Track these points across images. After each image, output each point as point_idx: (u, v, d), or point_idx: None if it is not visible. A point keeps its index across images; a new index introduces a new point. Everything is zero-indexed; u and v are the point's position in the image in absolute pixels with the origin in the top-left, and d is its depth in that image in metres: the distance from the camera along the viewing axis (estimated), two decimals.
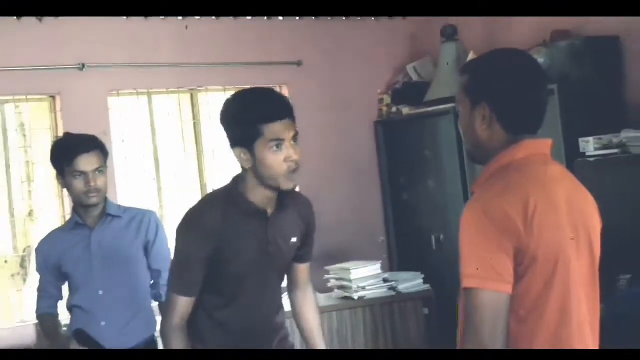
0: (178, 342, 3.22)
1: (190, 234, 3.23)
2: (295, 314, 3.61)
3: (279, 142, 3.10)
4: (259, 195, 3.20)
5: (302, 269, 3.57)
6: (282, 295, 3.49)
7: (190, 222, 3.25)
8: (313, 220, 3.49)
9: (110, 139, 6.11)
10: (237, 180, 3.27)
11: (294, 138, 3.16)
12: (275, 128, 3.10)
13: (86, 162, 4.03)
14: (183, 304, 3.23)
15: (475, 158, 2.59)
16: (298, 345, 3.74)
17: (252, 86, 3.33)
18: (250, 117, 3.11)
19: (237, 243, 3.20)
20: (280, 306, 3.45)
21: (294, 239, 3.34)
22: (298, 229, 3.37)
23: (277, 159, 3.11)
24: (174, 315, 3.23)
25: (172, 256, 4.13)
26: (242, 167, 3.20)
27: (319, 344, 3.55)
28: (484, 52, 2.66)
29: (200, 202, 3.41)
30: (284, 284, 3.54)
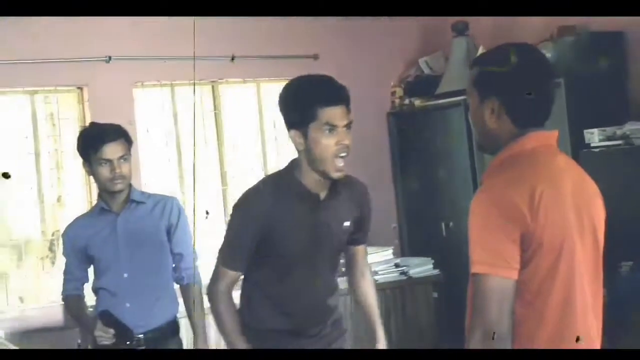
0: (225, 304, 3.27)
1: (241, 214, 3.27)
2: (355, 294, 3.59)
3: (332, 127, 3.11)
4: (311, 180, 3.21)
5: (360, 251, 3.55)
6: (337, 279, 3.48)
7: (243, 202, 3.29)
8: (368, 205, 3.45)
9: (135, 129, 6.12)
10: (293, 164, 3.28)
11: (348, 126, 3.17)
12: (330, 113, 3.12)
13: (112, 150, 4.02)
14: (229, 276, 3.28)
15: (485, 148, 2.59)
16: (350, 328, 3.70)
17: (310, 74, 3.31)
18: (306, 101, 3.12)
19: (287, 224, 3.20)
20: (335, 289, 3.43)
21: (347, 224, 3.32)
22: (351, 214, 3.33)
23: (329, 143, 3.12)
24: (220, 283, 3.27)
25: (193, 241, 4.19)
26: (297, 150, 3.21)
27: (378, 325, 3.50)
28: (493, 46, 2.66)
29: (256, 183, 3.40)
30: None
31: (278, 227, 3.19)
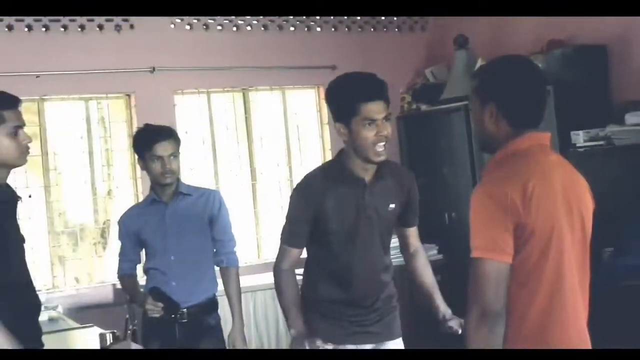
0: (288, 281, 3.27)
1: (297, 198, 3.28)
2: (413, 274, 3.51)
3: (371, 120, 3.11)
4: (357, 166, 3.20)
5: (411, 232, 3.48)
6: (391, 257, 3.43)
7: (299, 188, 3.30)
8: (414, 190, 3.41)
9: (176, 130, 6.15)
10: (341, 153, 3.29)
11: (386, 118, 3.16)
12: (370, 108, 3.11)
13: (163, 148, 4.04)
14: (291, 253, 3.28)
15: (485, 148, 2.59)
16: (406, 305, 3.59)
17: (354, 72, 3.31)
18: (348, 97, 3.12)
19: (337, 206, 3.20)
20: (387, 266, 3.38)
21: (392, 205, 3.28)
22: (397, 197, 3.30)
23: (369, 135, 3.11)
24: (284, 261, 3.28)
25: (232, 229, 4.21)
26: (343, 141, 3.21)
27: (437, 297, 3.41)
28: (490, 58, 2.67)
29: (310, 172, 3.40)
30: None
31: (330, 208, 3.20)
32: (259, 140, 6.90)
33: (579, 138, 5.50)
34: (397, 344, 3.40)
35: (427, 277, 3.46)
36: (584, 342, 2.46)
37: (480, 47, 6.69)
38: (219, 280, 4.29)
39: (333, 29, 7.11)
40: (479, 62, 6.19)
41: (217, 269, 4.31)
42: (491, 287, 2.30)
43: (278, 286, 3.31)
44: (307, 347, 3.05)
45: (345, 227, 3.22)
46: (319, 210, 3.20)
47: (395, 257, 3.57)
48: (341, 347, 3.26)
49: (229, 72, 6.70)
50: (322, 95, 7.08)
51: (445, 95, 6.77)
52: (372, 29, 7.29)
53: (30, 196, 2.87)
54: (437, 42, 7.43)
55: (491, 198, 2.34)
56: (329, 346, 3.07)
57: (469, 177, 6.47)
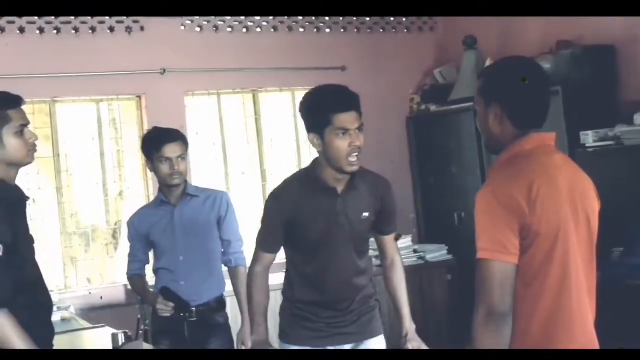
0: (257, 285, 3.33)
1: (271, 204, 3.32)
2: (385, 284, 3.53)
3: (344, 130, 3.12)
4: (329, 175, 3.22)
5: (386, 241, 3.50)
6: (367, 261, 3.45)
7: (273, 195, 3.35)
8: (389, 198, 3.41)
9: (186, 132, 6.16)
10: (314, 162, 3.31)
11: (359, 128, 3.17)
12: (343, 118, 3.13)
13: (171, 150, 4.07)
14: (263, 257, 3.34)
15: (491, 149, 2.58)
16: (385, 305, 3.63)
17: (327, 84, 3.34)
18: (321, 108, 3.15)
19: (309, 213, 3.24)
20: (362, 270, 3.39)
21: (365, 214, 3.30)
22: (371, 206, 3.32)
23: (342, 145, 3.13)
24: (256, 265, 3.35)
25: (239, 229, 4.23)
26: (316, 151, 3.24)
27: (405, 312, 3.42)
28: (499, 58, 2.67)
29: (285, 179, 3.45)
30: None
31: (302, 216, 3.24)
32: (269, 141, 6.91)
33: (588, 138, 5.49)
34: (378, 341, 3.43)
35: (399, 290, 3.47)
36: (591, 341, 2.45)
37: (489, 47, 6.68)
38: (227, 280, 4.30)
39: (342, 30, 7.11)
40: (488, 63, 6.18)
41: (225, 268, 4.32)
42: (497, 287, 2.30)
43: (248, 289, 3.38)
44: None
45: (317, 234, 3.27)
46: (291, 217, 3.25)
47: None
48: (319, 348, 3.32)
49: (239, 73, 6.71)
50: None
51: (453, 95, 6.77)
52: (381, 30, 7.29)
53: (34, 200, 2.88)
54: (445, 42, 7.42)
55: (496, 198, 2.33)
56: None
57: (477, 177, 6.47)
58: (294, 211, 3.24)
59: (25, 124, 2.90)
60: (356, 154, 3.16)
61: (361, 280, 3.40)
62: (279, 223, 3.28)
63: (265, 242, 3.35)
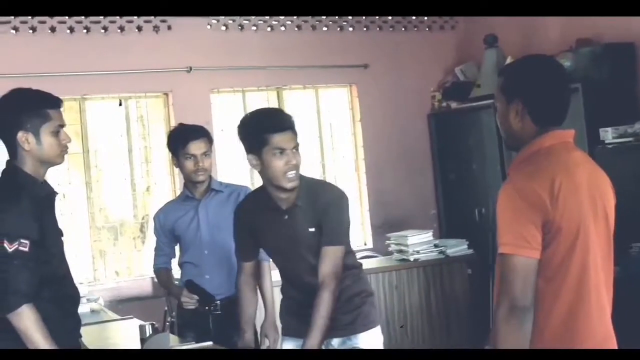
0: (243, 295, 3.49)
1: (235, 220, 3.49)
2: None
3: (281, 150, 3.17)
4: (274, 194, 3.29)
5: (322, 253, 3.26)
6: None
7: (235, 212, 3.52)
8: (331, 207, 3.29)
9: (212, 129, 6.18)
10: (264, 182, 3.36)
11: (295, 148, 3.21)
12: (279, 138, 3.17)
13: (196, 147, 4.07)
14: (242, 266, 3.50)
15: (511, 146, 2.57)
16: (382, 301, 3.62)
17: (263, 107, 3.46)
18: (259, 128, 3.19)
19: (261, 228, 3.37)
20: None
21: (311, 229, 3.29)
22: (313, 220, 3.28)
23: (279, 163, 3.17)
24: (240, 275, 3.52)
25: None
26: (257, 171, 3.30)
27: (311, 333, 3.15)
28: (520, 56, 2.65)
29: (245, 196, 3.67)
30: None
31: (257, 230, 3.39)
32: None
33: (608, 135, 5.45)
34: (371, 334, 3.44)
35: (317, 311, 3.18)
36: (609, 333, 2.44)
37: (510, 45, 6.64)
38: None
39: (365, 29, 7.10)
40: (508, 61, 6.14)
41: None
42: (520, 282, 2.29)
43: (237, 298, 3.55)
44: None
45: (275, 246, 3.41)
46: (249, 230, 3.41)
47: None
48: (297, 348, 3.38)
49: (264, 72, 6.72)
50: (355, 93, 7.11)
51: (474, 93, 6.74)
52: (403, 29, 7.27)
53: (64, 195, 2.93)
54: (467, 41, 7.39)
55: (519, 194, 2.32)
56: None
57: (498, 174, 6.44)
58: (250, 226, 3.40)
59: (62, 125, 2.94)
60: (294, 171, 3.20)
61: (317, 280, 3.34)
62: (243, 235, 3.44)
63: (239, 252, 3.52)
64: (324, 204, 3.32)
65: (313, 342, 3.16)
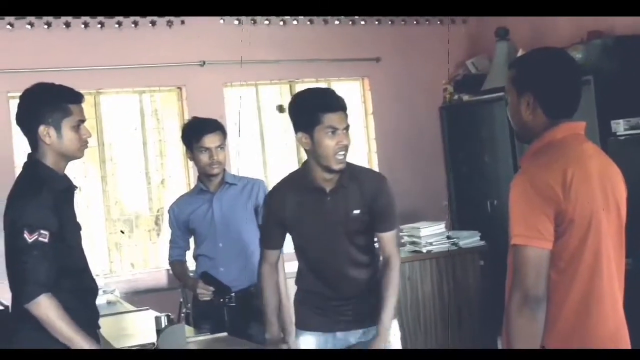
0: (266, 285, 3.46)
1: (268, 206, 3.45)
2: (379, 277, 3.44)
3: (334, 129, 3.17)
4: (318, 175, 3.28)
5: (382, 238, 3.38)
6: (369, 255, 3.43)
7: (268, 197, 3.50)
8: (382, 195, 3.35)
9: (225, 122, 6.19)
10: (304, 164, 3.38)
11: (346, 128, 3.23)
12: (332, 117, 3.18)
13: (210, 140, 4.07)
14: (267, 255, 3.47)
15: (522, 138, 2.58)
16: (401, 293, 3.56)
17: (315, 87, 3.42)
18: (313, 107, 3.20)
19: (299, 213, 3.33)
20: (360, 263, 3.37)
21: (356, 212, 3.30)
22: (361, 203, 3.30)
23: (331, 143, 3.18)
24: (264, 264, 3.48)
25: None
26: (304, 150, 3.30)
27: (385, 312, 3.28)
28: (531, 49, 2.66)
29: (279, 181, 3.55)
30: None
31: (293, 215, 3.34)
32: None
33: (619, 127, 5.43)
34: (392, 325, 3.43)
35: (387, 289, 3.32)
36: (621, 325, 2.45)
37: (521, 38, 6.63)
38: None
39: (377, 22, 7.09)
40: (520, 53, 6.13)
41: None
42: (532, 273, 2.30)
43: (260, 290, 3.50)
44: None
45: (310, 232, 3.35)
46: (284, 216, 3.35)
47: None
48: (330, 335, 3.39)
49: (276, 65, 6.73)
50: (367, 86, 7.10)
51: (486, 85, 6.73)
52: (414, 22, 7.26)
53: (80, 189, 2.98)
54: (478, 34, 7.38)
55: (532, 186, 2.33)
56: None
57: (510, 166, 6.43)
58: (285, 210, 3.34)
59: (83, 120, 2.97)
60: (343, 152, 3.21)
61: (362, 273, 3.38)
62: (274, 222, 3.40)
63: (266, 240, 3.48)
64: (374, 189, 3.35)
65: (388, 322, 3.28)
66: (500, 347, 2.56)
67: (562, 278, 2.36)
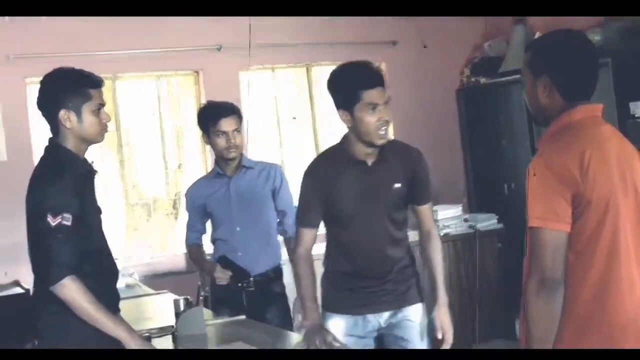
0: (303, 269, 3.34)
1: (306, 181, 3.35)
2: (422, 254, 3.48)
3: (374, 105, 3.14)
4: (359, 150, 3.24)
5: (422, 210, 3.41)
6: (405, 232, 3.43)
7: (308, 172, 3.37)
8: (421, 168, 3.36)
9: (241, 106, 6.20)
10: (344, 138, 3.32)
11: (386, 103, 3.19)
12: (371, 94, 3.14)
13: (227, 124, 4.06)
14: (305, 235, 3.34)
15: (539, 121, 2.57)
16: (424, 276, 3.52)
17: (351, 62, 3.32)
18: (351, 85, 3.16)
19: (341, 188, 3.26)
20: (397, 240, 3.37)
21: (397, 185, 3.29)
22: (402, 177, 3.29)
23: (372, 119, 3.14)
24: (299, 245, 3.36)
25: (294, 200, 4.24)
26: (346, 126, 3.25)
27: (440, 285, 3.35)
28: (548, 31, 2.65)
29: (317, 156, 3.51)
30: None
31: (335, 190, 3.27)
32: (323, 115, 6.92)
33: (638, 109, 5.41)
34: (416, 308, 3.41)
35: (434, 261, 3.41)
36: (638, 306, 2.43)
37: (538, 21, 6.58)
38: (284, 250, 4.32)
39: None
40: (537, 36, 6.10)
41: (281, 239, 4.33)
42: (550, 255, 2.30)
43: (295, 274, 3.38)
44: (318, 341, 3.12)
45: (350, 207, 3.28)
46: (325, 192, 3.28)
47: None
48: (360, 317, 3.35)
49: (293, 49, 6.72)
50: (384, 69, 7.07)
51: (503, 68, 6.71)
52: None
53: (98, 173, 2.99)
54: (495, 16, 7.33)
55: (549, 168, 2.32)
56: (337, 344, 3.14)
57: (527, 149, 6.42)
58: (327, 186, 3.27)
59: (103, 104, 2.99)
60: (385, 127, 3.18)
61: (397, 251, 3.38)
62: (315, 199, 3.30)
63: (305, 219, 3.36)
64: (413, 161, 3.35)
65: (444, 298, 3.32)
66: (518, 330, 2.56)
67: (579, 260, 2.35)
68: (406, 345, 3.36)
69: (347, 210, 3.30)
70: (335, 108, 3.26)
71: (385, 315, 3.38)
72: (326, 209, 3.32)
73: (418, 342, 3.37)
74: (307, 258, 3.36)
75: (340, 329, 3.35)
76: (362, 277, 3.34)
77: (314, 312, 3.28)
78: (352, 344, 3.31)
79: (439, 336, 3.30)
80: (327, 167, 3.31)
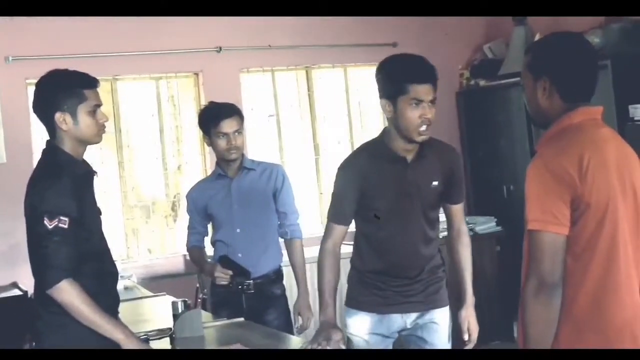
0: (328, 263, 3.25)
1: (342, 175, 3.28)
2: (451, 253, 3.46)
3: (418, 101, 3.09)
4: (399, 145, 3.19)
5: (455, 210, 3.40)
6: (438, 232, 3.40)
7: (344, 166, 3.31)
8: (457, 166, 3.35)
9: (241, 108, 6.18)
10: (384, 133, 3.28)
11: (432, 101, 3.14)
12: (418, 89, 3.10)
13: (228, 125, 4.05)
14: (335, 230, 3.28)
15: (538, 123, 2.57)
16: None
17: (406, 53, 3.29)
18: (400, 75, 3.11)
19: (378, 183, 3.21)
20: (431, 239, 3.34)
21: (435, 183, 3.25)
22: (440, 174, 3.26)
23: (414, 115, 3.10)
24: (328, 239, 3.29)
25: (295, 202, 4.23)
26: (386, 117, 3.20)
27: (468, 286, 3.36)
28: (547, 34, 2.65)
29: (354, 150, 3.43)
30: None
31: (372, 186, 3.21)
32: (322, 117, 6.92)
33: (638, 111, 5.41)
34: (443, 312, 3.40)
35: (465, 261, 3.41)
36: (638, 312, 2.43)
37: (538, 23, 6.58)
38: (284, 252, 4.32)
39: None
40: (537, 38, 6.09)
41: (281, 240, 4.32)
42: (548, 258, 2.30)
43: (319, 266, 3.29)
44: (322, 340, 3.06)
45: (387, 204, 3.22)
46: (362, 187, 3.21)
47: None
48: (386, 316, 3.31)
49: (293, 51, 6.72)
50: None
51: (503, 70, 6.70)
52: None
53: (97, 174, 2.98)
54: (495, 18, 7.32)
55: (548, 171, 2.32)
56: (342, 345, 3.10)
57: (526, 151, 6.42)
58: (364, 181, 3.21)
59: (99, 104, 2.98)
60: (426, 125, 3.12)
61: (430, 250, 3.34)
62: (350, 193, 3.23)
63: (338, 214, 3.28)
64: (450, 159, 3.33)
65: (472, 298, 3.34)
66: (516, 333, 2.56)
67: (578, 263, 2.35)
68: (425, 347, 3.33)
69: (384, 208, 3.24)
70: (379, 97, 3.19)
71: (413, 316, 3.35)
72: (361, 205, 3.25)
73: (439, 346, 3.34)
74: (334, 252, 3.28)
75: (365, 327, 3.32)
76: (393, 276, 3.29)
77: (329, 308, 3.19)
78: (375, 342, 3.29)
79: (465, 338, 3.28)
80: (364, 162, 3.25)
